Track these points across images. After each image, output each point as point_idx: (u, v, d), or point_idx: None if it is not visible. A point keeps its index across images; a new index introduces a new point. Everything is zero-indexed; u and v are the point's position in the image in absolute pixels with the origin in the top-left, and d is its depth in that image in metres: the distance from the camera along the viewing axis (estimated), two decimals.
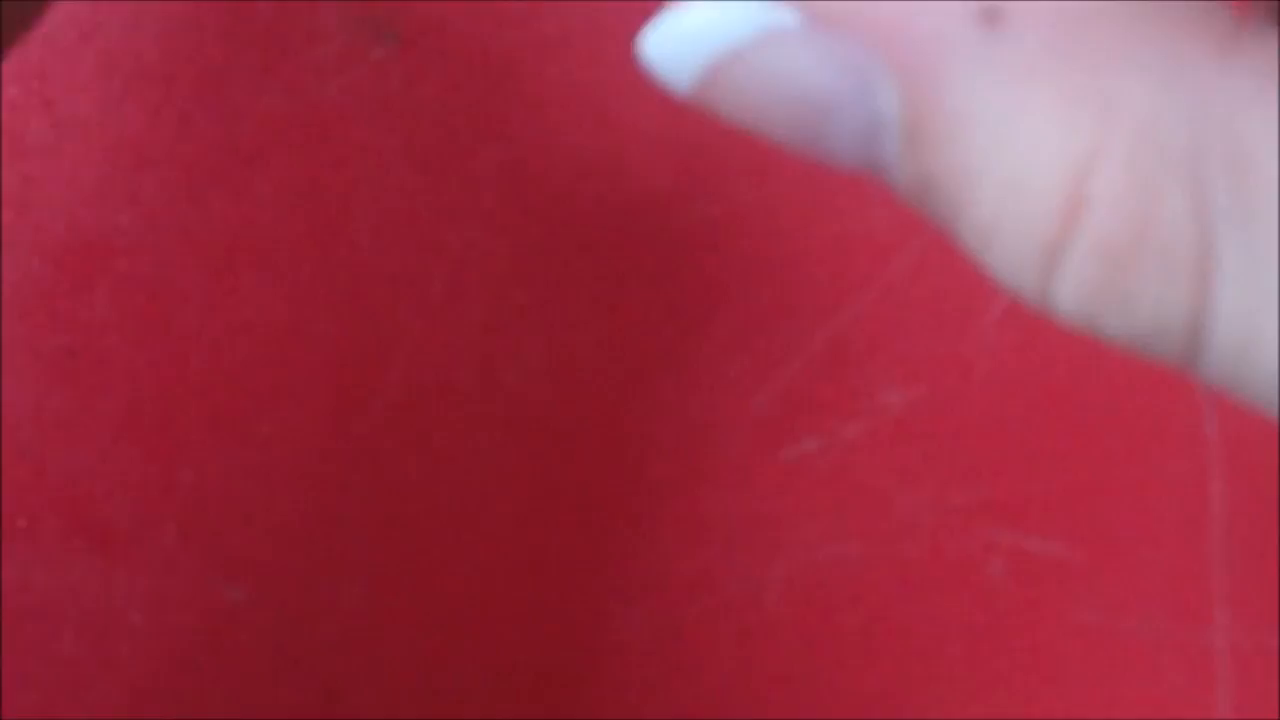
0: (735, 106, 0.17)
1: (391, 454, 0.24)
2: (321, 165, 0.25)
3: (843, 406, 0.23)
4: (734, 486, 0.24)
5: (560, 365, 0.24)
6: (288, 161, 0.25)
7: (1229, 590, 0.22)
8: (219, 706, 0.24)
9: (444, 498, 0.24)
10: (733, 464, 0.24)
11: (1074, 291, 0.14)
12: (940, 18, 0.14)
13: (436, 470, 0.24)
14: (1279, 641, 0.21)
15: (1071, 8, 0.14)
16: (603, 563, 0.24)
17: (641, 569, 0.24)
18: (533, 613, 0.24)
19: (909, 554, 0.23)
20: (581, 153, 0.25)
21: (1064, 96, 0.14)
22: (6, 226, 0.23)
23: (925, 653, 0.23)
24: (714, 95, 0.16)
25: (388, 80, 0.25)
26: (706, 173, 0.24)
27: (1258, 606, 0.22)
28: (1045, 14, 0.14)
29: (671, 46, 0.17)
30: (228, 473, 0.25)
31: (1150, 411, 0.22)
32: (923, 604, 0.23)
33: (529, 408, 0.24)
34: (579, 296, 0.24)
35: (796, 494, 0.23)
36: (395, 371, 0.24)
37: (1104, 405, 0.22)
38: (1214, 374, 0.14)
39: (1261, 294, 0.13)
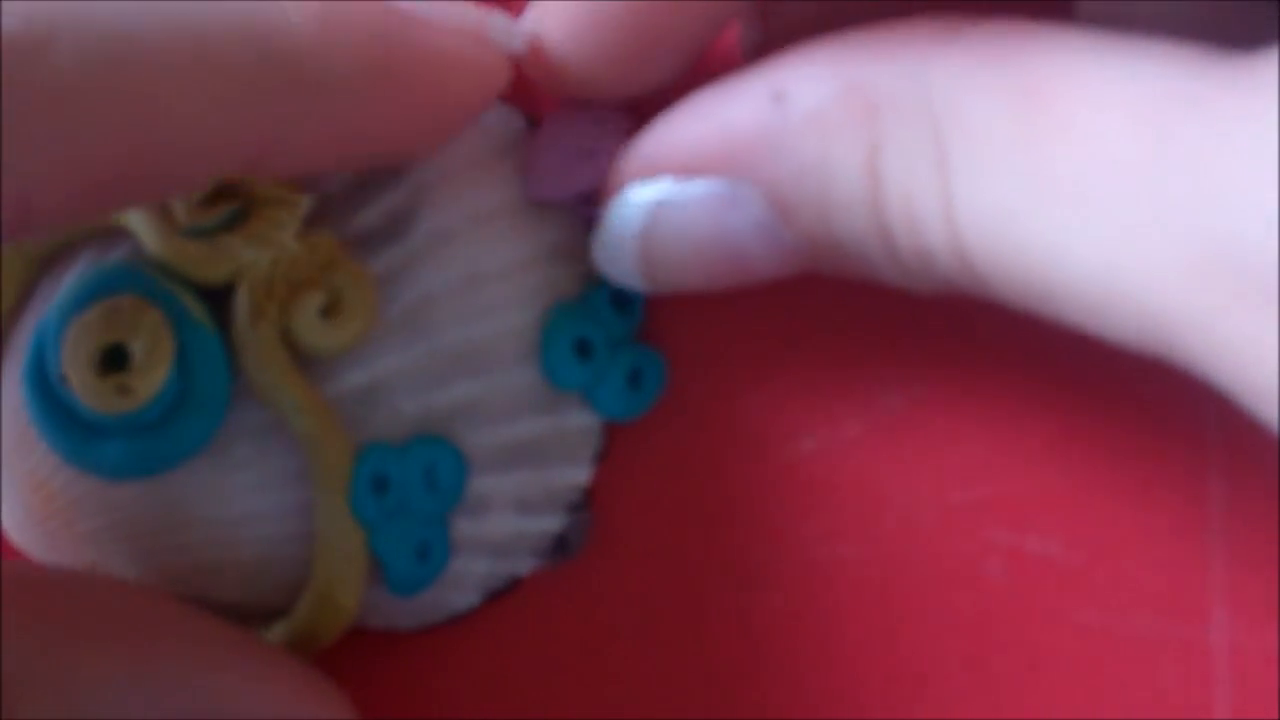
0: (674, 266, 0.21)
1: None
2: None
3: (843, 406, 0.23)
4: (734, 486, 0.23)
5: None
6: None
7: (1228, 590, 0.22)
8: None
9: None
10: (732, 463, 0.24)
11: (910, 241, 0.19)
12: (748, 111, 0.19)
13: None
14: (1279, 641, 0.21)
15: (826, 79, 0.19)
16: (600, 562, 0.24)
17: (639, 569, 0.24)
18: (527, 613, 0.24)
19: (908, 554, 0.23)
20: None
21: (839, 122, 0.19)
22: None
23: (924, 653, 0.23)
24: (655, 265, 0.21)
25: None
26: None
27: (1258, 606, 0.22)
28: (811, 84, 0.19)
29: (606, 251, 0.22)
30: None
31: (1150, 411, 0.22)
32: (922, 604, 0.23)
33: None
34: None
35: (795, 493, 0.23)
36: None
37: (1104, 405, 0.22)
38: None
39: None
